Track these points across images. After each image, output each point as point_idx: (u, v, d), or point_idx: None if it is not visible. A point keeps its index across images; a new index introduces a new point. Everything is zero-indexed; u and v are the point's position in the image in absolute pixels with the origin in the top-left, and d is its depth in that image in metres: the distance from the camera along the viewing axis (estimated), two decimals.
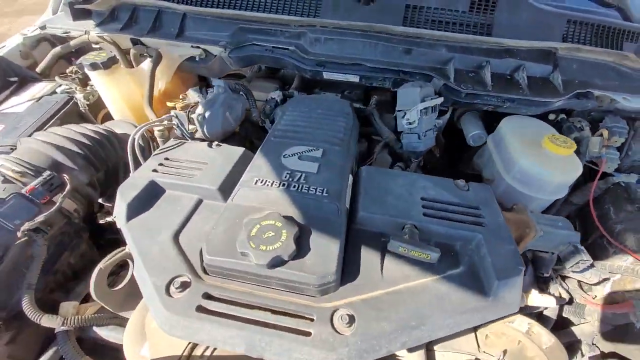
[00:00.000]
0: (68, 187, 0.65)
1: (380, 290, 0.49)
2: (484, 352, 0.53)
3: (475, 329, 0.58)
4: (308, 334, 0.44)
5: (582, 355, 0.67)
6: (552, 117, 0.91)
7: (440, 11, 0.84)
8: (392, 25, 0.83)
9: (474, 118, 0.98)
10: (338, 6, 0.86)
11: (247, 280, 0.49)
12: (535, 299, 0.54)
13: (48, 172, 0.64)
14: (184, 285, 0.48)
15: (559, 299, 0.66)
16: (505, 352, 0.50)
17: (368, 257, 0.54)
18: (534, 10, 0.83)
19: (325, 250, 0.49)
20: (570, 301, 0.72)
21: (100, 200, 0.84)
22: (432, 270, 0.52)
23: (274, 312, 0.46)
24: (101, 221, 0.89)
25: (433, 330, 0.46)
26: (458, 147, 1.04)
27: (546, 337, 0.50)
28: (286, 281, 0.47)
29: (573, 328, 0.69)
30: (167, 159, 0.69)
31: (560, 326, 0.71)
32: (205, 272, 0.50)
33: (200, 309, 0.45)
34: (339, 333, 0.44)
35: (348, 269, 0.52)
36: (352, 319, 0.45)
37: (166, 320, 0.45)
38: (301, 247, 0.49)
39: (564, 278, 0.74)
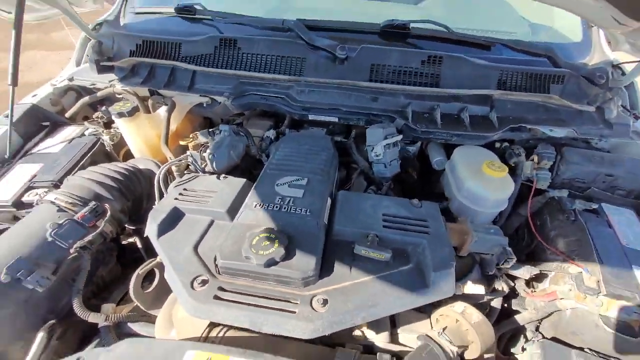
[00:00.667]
0: (108, 214, 0.88)
1: (348, 282, 0.70)
2: (434, 330, 0.73)
3: (429, 315, 0.79)
4: (293, 312, 0.64)
5: (527, 340, 0.87)
6: (497, 145, 1.17)
7: (398, 67, 1.14)
8: (361, 81, 1.11)
9: (437, 146, 1.24)
10: (318, 67, 1.15)
11: (250, 277, 0.70)
12: (469, 288, 0.76)
13: (94, 203, 0.88)
14: (204, 282, 0.70)
15: (500, 291, 0.86)
16: (445, 328, 0.71)
17: (340, 259, 0.76)
18: (472, 65, 1.12)
19: (307, 254, 0.71)
20: (516, 295, 0.93)
21: (126, 225, 1.07)
22: (388, 267, 0.74)
23: (269, 298, 0.67)
24: (124, 242, 1.12)
25: (385, 308, 0.67)
26: (430, 171, 1.29)
27: (475, 315, 0.71)
28: (278, 276, 0.69)
29: (516, 316, 0.89)
30: (185, 189, 0.92)
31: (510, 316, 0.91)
32: (218, 272, 0.72)
33: (216, 297, 0.67)
34: (316, 311, 0.65)
35: (325, 268, 0.73)
36: (325, 302, 0.66)
37: (191, 307, 0.66)
38: (289, 252, 0.71)
39: (512, 278, 0.96)
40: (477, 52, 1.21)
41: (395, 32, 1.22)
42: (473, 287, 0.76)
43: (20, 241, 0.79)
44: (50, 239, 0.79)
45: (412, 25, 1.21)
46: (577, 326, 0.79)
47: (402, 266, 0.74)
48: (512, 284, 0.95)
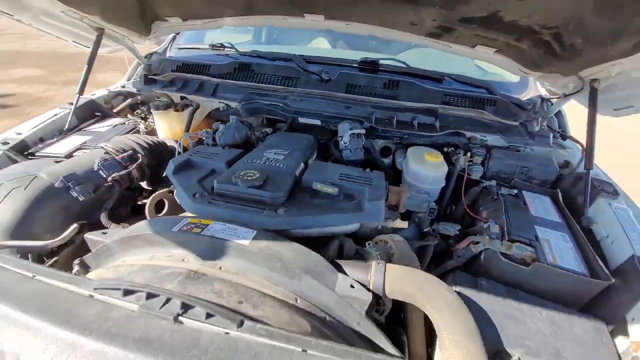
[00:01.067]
0: (139, 161, 1.23)
1: (306, 205, 1.00)
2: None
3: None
4: (262, 213, 0.93)
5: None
6: (445, 149, 1.51)
7: (366, 87, 1.57)
8: (339, 93, 1.55)
9: (402, 152, 1.59)
10: (309, 83, 1.61)
11: (236, 197, 1.00)
12: (397, 223, 1.03)
13: (131, 151, 1.24)
14: (202, 195, 1.00)
15: (431, 240, 1.11)
16: (376, 242, 0.97)
17: (303, 195, 1.06)
18: (421, 88, 1.55)
19: (279, 186, 1.03)
20: (448, 252, 1.17)
21: (144, 184, 1.40)
22: (338, 201, 1.03)
23: (245, 206, 0.96)
24: (139, 202, 1.43)
25: (330, 220, 0.95)
26: (399, 177, 1.62)
27: (397, 237, 0.97)
28: (256, 196, 0.99)
29: (443, 264, 1.11)
30: (197, 151, 1.28)
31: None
32: (214, 193, 1.03)
33: (210, 202, 0.96)
34: (278, 214, 0.93)
35: (290, 200, 1.03)
36: (287, 211, 0.95)
37: (191, 207, 0.96)
38: (266, 183, 1.02)
39: (445, 239, 1.21)
40: (431, 84, 1.65)
41: (369, 67, 1.70)
42: (400, 223, 1.03)
43: (75, 166, 1.13)
44: (96, 168, 1.13)
45: (381, 61, 1.69)
46: (487, 266, 1.02)
47: (347, 202, 1.04)
48: (445, 244, 1.19)
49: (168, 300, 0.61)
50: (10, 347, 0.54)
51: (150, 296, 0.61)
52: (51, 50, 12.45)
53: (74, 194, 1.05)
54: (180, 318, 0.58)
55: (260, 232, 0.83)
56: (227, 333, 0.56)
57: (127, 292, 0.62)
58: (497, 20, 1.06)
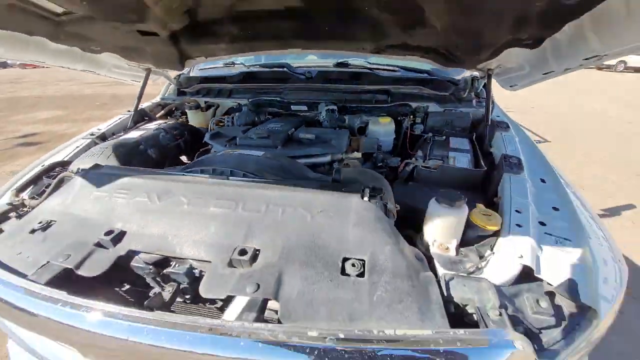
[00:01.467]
0: (185, 137, 1.91)
1: (296, 149, 1.63)
2: None
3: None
4: (266, 149, 1.57)
5: None
6: (399, 118, 2.15)
7: (338, 80, 2.25)
8: (318, 84, 2.23)
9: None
10: (297, 80, 2.30)
11: (250, 145, 1.65)
12: (354, 154, 1.65)
13: (180, 130, 1.91)
14: (230, 146, 1.65)
15: (384, 171, 1.72)
16: (341, 163, 1.58)
17: (294, 144, 1.70)
18: (377, 76, 2.22)
19: (277, 137, 1.67)
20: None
21: (185, 159, 2.07)
22: (315, 143, 1.66)
23: (255, 147, 1.60)
24: None
25: (309, 151, 1.58)
26: None
27: (354, 160, 1.58)
28: (262, 142, 1.64)
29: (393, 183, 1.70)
30: (223, 128, 1.95)
31: None
32: (236, 144, 1.68)
33: (231, 146, 1.61)
34: (277, 150, 1.57)
35: (285, 145, 1.67)
36: (282, 149, 1.58)
37: (224, 150, 1.61)
38: (269, 136, 1.67)
39: (393, 170, 1.81)
40: (386, 73, 2.32)
41: (342, 66, 2.39)
42: (356, 154, 1.65)
43: (146, 136, 1.80)
44: (160, 137, 1.81)
45: (350, 62, 2.38)
46: (416, 177, 1.61)
47: (322, 144, 1.67)
48: (393, 175, 1.80)
49: (222, 172, 1.24)
50: (143, 195, 1.16)
51: (214, 171, 1.25)
52: (69, 93, 13.88)
53: (150, 153, 1.71)
54: (230, 178, 1.21)
55: (267, 153, 1.47)
56: (254, 181, 1.19)
57: (202, 170, 1.25)
58: (408, 45, 1.71)
